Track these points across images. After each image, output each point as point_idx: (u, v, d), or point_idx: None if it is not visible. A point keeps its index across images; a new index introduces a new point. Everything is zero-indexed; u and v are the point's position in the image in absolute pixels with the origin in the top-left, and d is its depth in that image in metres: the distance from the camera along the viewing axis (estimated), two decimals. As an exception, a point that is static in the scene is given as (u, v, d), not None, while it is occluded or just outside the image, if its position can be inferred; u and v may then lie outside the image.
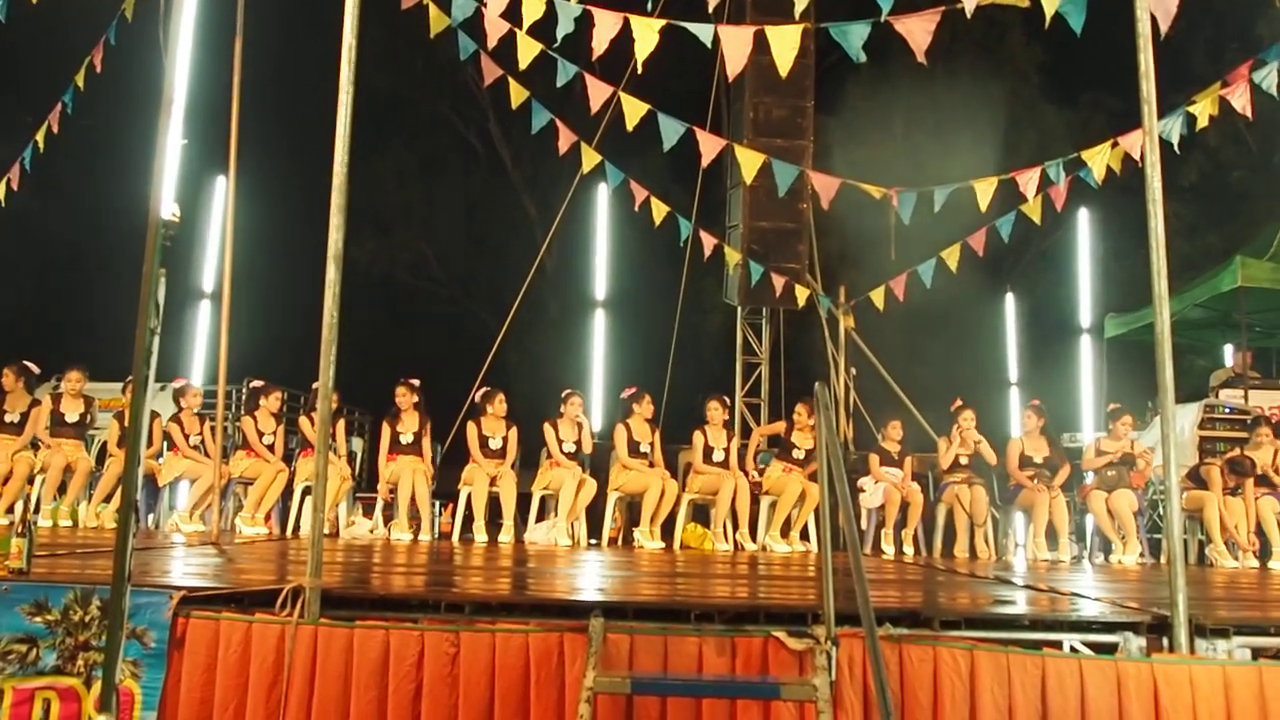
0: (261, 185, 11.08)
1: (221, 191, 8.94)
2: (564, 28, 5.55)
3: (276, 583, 3.53)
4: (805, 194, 10.09)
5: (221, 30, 6.17)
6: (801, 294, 10.18)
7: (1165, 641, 3.39)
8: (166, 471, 8.14)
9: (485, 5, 6.07)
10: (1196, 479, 8.06)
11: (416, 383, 8.26)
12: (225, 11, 6.17)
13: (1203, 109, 6.92)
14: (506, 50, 6.66)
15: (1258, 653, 3.38)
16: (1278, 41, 6.79)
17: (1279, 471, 8.12)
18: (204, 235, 9.12)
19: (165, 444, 8.29)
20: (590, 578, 5.10)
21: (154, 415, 8.10)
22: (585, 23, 5.55)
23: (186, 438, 8.23)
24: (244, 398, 9.10)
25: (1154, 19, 3.84)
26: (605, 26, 5.29)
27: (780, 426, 8.64)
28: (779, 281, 10.00)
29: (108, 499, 7.91)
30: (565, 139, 8.05)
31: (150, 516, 8.33)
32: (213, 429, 7.26)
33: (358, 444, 9.45)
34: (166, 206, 2.61)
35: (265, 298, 13.74)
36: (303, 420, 8.39)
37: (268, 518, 8.04)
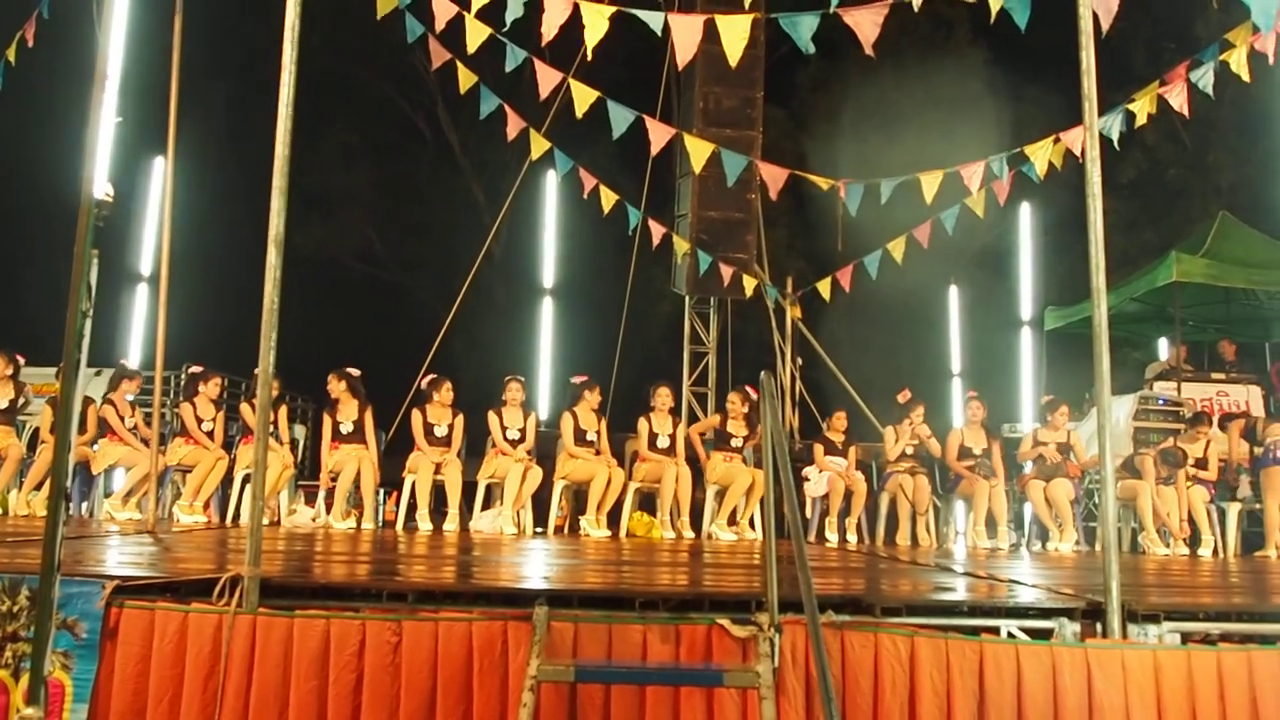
0: (201, 166, 10.88)
1: (160, 172, 8.74)
2: (513, 12, 5.50)
3: (214, 572, 3.47)
4: (754, 184, 10.13)
5: (160, 6, 6.02)
6: (749, 284, 10.24)
7: (1099, 627, 3.46)
8: (101, 459, 7.95)
9: (433, -13, 6.00)
10: (1130, 469, 8.24)
11: (355, 372, 8.14)
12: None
13: (1142, 107, 7.06)
14: (455, 34, 6.59)
15: (1187, 637, 3.47)
16: (1215, 42, 6.94)
17: (1206, 465, 8.33)
18: (141, 217, 8.91)
19: (99, 430, 8.09)
20: (535, 566, 5.09)
21: (88, 401, 7.91)
22: (535, 8, 5.50)
23: (122, 421, 8.04)
24: (183, 383, 8.92)
25: (1095, 17, 3.90)
26: (555, 12, 5.26)
27: (716, 420, 8.69)
28: (727, 271, 10.06)
29: (39, 487, 7.71)
30: (514, 125, 8.00)
31: (84, 505, 8.14)
32: (148, 415, 7.10)
33: (300, 431, 9.31)
34: (100, 186, 2.54)
35: (205, 281, 13.47)
36: (244, 407, 8.25)
37: (206, 506, 7.90)
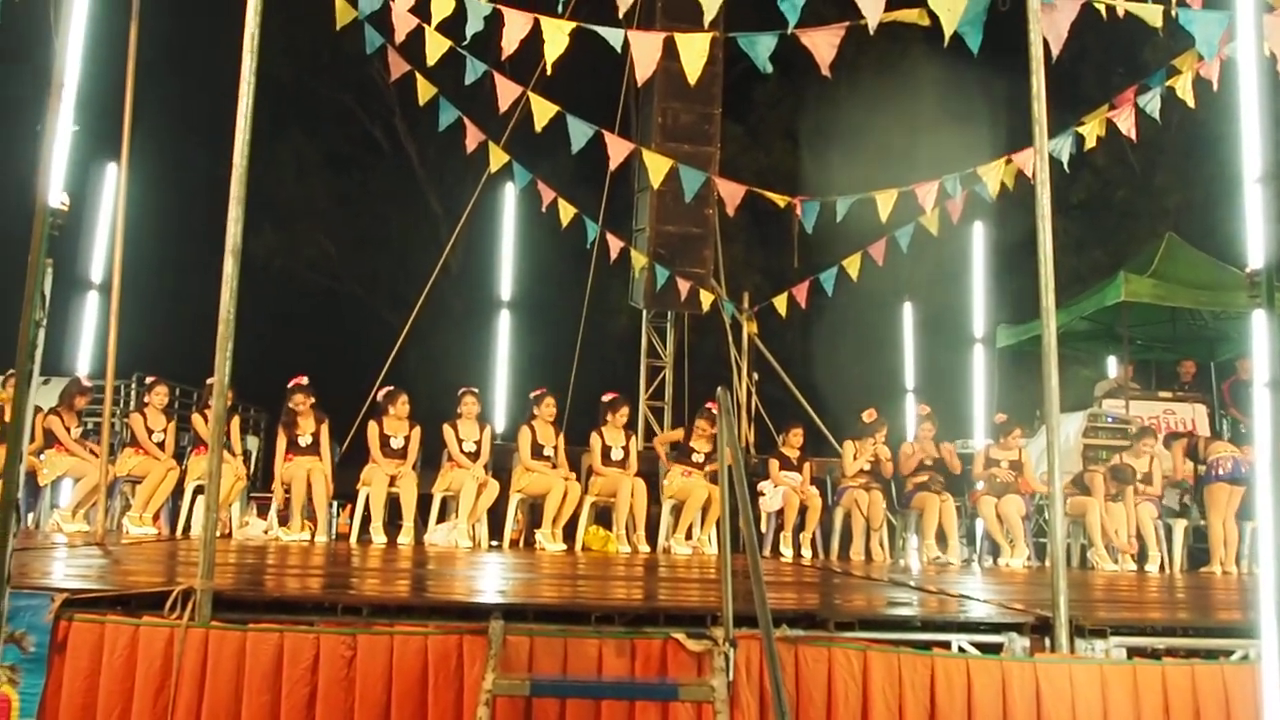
0: (156, 174, 10.72)
1: (112, 180, 8.60)
2: (473, 26, 5.51)
3: (165, 584, 3.42)
4: (711, 200, 10.19)
5: (115, 13, 5.94)
6: (706, 299, 10.30)
7: (1047, 642, 3.53)
8: (49, 469, 7.79)
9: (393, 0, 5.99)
10: (1080, 485, 8.38)
11: (305, 380, 8.06)
12: (121, -6, 5.96)
13: (1091, 130, 7.23)
14: (414, 45, 6.59)
15: (1133, 652, 3.55)
16: (1162, 68, 7.12)
17: (1151, 480, 8.49)
18: (93, 224, 8.75)
19: (45, 440, 7.91)
20: (491, 580, 5.07)
21: (36, 409, 7.75)
22: (495, 22, 5.52)
23: (68, 431, 7.88)
24: (138, 393, 8.76)
25: (1045, 43, 4.00)
26: (515, 26, 5.29)
27: (679, 434, 8.71)
28: (684, 286, 10.10)
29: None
30: (473, 137, 8.00)
31: (30, 516, 7.95)
32: (96, 425, 6.98)
33: (253, 442, 9.19)
34: (55, 194, 2.51)
35: (159, 290, 13.30)
36: (196, 417, 8.13)
37: (156, 517, 7.76)
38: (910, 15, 4.60)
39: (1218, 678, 3.36)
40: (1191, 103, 6.64)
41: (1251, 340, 2.74)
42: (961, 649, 3.53)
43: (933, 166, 8.35)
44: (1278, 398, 2.65)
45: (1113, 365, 12.39)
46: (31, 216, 2.58)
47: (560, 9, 4.80)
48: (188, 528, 7.71)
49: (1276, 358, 2.66)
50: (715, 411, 8.43)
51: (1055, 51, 4.11)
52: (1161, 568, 8.21)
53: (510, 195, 11.21)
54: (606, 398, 8.39)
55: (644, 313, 11.52)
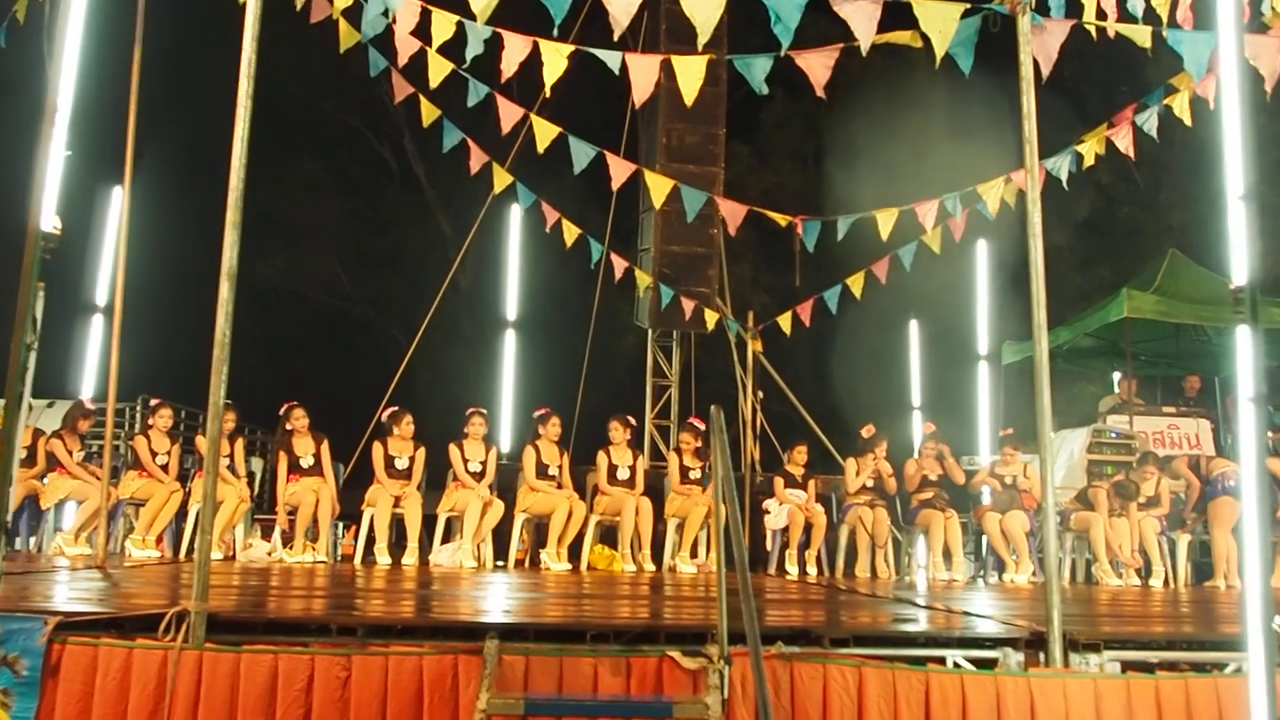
0: (161, 197, 10.81)
1: (117, 203, 8.68)
2: (473, 49, 5.55)
3: (163, 607, 3.43)
4: (716, 219, 10.23)
5: (120, 38, 6.03)
6: (711, 318, 10.31)
7: (1042, 656, 3.52)
8: (51, 493, 7.82)
9: (395, 23, 6.05)
10: (1084, 501, 8.35)
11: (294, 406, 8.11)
12: (124, 18, 6.03)
13: (1089, 148, 7.23)
14: (418, 68, 6.65)
15: (1127, 665, 3.53)
16: (1160, 87, 7.13)
17: (1159, 502, 8.44)
18: (98, 247, 8.82)
19: (47, 463, 7.95)
20: (492, 600, 5.08)
21: (38, 433, 7.80)
22: (495, 45, 5.57)
23: (70, 455, 7.92)
24: (143, 416, 8.80)
25: (1036, 63, 4.03)
26: (514, 49, 5.33)
27: (675, 460, 8.64)
28: (689, 305, 10.13)
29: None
30: (477, 159, 8.04)
31: (33, 540, 7.99)
32: (100, 448, 7.01)
33: (257, 464, 9.22)
34: (47, 218, 2.54)
35: (166, 313, 13.37)
36: (200, 440, 8.17)
37: (159, 540, 7.79)
38: (903, 37, 4.63)
39: (1211, 690, 3.35)
40: (1189, 121, 6.64)
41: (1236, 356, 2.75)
42: (957, 664, 3.53)
43: (940, 184, 8.35)
44: (1262, 412, 2.66)
45: (1118, 381, 12.35)
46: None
47: (555, 31, 4.83)
48: (191, 550, 7.73)
49: (1261, 373, 2.67)
50: (694, 424, 8.51)
51: (1045, 71, 4.14)
52: (1166, 582, 8.17)
53: (516, 215, 11.28)
54: (537, 413, 8.38)
55: (650, 332, 11.56)
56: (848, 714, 3.35)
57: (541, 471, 8.06)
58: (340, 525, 8.35)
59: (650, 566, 8.00)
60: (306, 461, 7.93)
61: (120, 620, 3.39)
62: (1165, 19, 5.13)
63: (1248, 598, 2.72)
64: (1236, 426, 9.91)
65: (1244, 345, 2.73)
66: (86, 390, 9.23)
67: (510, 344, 11.40)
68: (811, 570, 8.27)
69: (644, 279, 10.49)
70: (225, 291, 3.50)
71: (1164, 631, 4.02)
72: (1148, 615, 5.22)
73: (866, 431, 8.80)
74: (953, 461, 8.85)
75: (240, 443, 8.12)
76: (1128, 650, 3.56)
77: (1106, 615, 5.12)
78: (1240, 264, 2.76)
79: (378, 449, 8.07)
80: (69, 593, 4.58)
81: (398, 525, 7.90)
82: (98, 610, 3.52)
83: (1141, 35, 4.90)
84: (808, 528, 8.34)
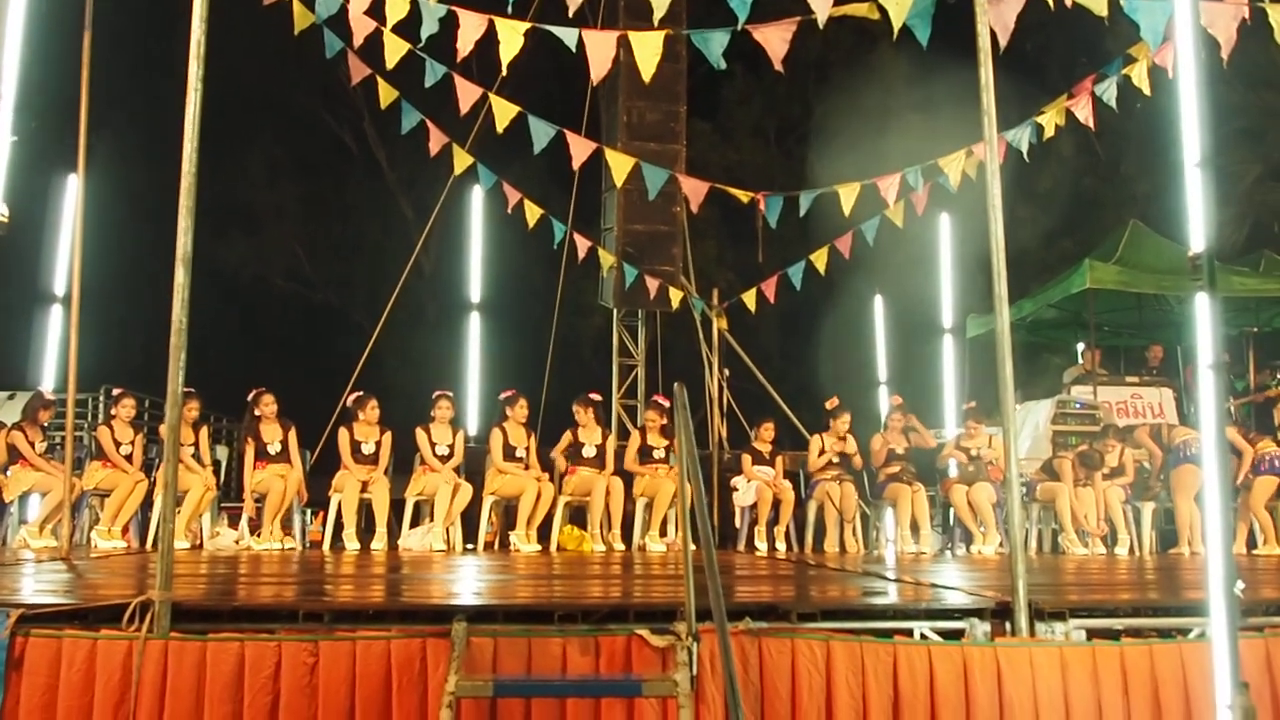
0: (119, 184, 10.64)
1: (74, 191, 8.50)
2: (428, 28, 5.50)
3: (128, 597, 3.39)
4: (678, 197, 10.21)
5: (69, 21, 5.90)
6: (675, 296, 10.31)
7: (1008, 626, 3.56)
8: (13, 485, 7.70)
9: (349, 2, 5.96)
10: (1049, 471, 8.45)
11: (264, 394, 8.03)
12: (74, 2, 5.91)
13: (1049, 119, 7.28)
14: (375, 49, 6.56)
15: (1092, 633, 3.58)
16: (1119, 57, 7.18)
17: (1124, 471, 8.55)
18: (55, 236, 8.65)
19: (9, 455, 7.83)
20: (462, 583, 5.06)
21: (-1, 425, 7.68)
22: (451, 23, 5.51)
23: (32, 446, 7.79)
24: (106, 406, 8.67)
25: (994, 33, 4.04)
26: (470, 28, 5.28)
27: (638, 438, 8.64)
28: (653, 284, 10.12)
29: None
30: (436, 140, 7.97)
31: (-4, 533, 7.87)
32: (63, 439, 6.91)
33: (222, 452, 9.13)
34: (-7, 206, 2.48)
35: (126, 302, 13.17)
36: (164, 429, 8.06)
37: (125, 530, 7.70)
38: (860, 9, 4.63)
39: (1175, 656, 3.41)
40: (1148, 90, 6.70)
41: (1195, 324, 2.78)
42: (924, 636, 3.56)
43: (904, 159, 8.37)
44: (1221, 379, 2.70)
45: (1081, 352, 12.48)
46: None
47: (509, 9, 4.77)
48: (157, 540, 7.65)
49: (1220, 340, 2.71)
50: (659, 401, 8.52)
51: (1004, 42, 4.15)
52: (1131, 550, 8.29)
53: (478, 197, 11.19)
54: (503, 395, 8.36)
55: (615, 312, 11.52)
56: (816, 688, 3.37)
57: (509, 453, 8.04)
58: (308, 511, 8.28)
59: (620, 546, 8.01)
60: (274, 448, 7.86)
61: (84, 611, 3.35)
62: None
63: (1210, 563, 2.76)
64: (1197, 395, 10.07)
65: (1203, 312, 2.76)
66: (47, 381, 9.08)
67: (475, 326, 11.33)
68: (781, 546, 8.32)
69: (607, 258, 10.46)
70: (181, 278, 3.45)
71: (1129, 599, 4.08)
72: (1113, 583, 5.30)
73: (830, 404, 8.86)
74: (923, 430, 8.92)
75: (205, 430, 8.03)
76: (1094, 618, 3.61)
77: (1072, 584, 5.19)
78: (1198, 231, 2.78)
79: (344, 434, 8.01)
80: (33, 585, 4.52)
81: (366, 510, 7.86)
82: (61, 602, 3.47)
83: (1099, 4, 4.93)
84: (776, 504, 8.38)
